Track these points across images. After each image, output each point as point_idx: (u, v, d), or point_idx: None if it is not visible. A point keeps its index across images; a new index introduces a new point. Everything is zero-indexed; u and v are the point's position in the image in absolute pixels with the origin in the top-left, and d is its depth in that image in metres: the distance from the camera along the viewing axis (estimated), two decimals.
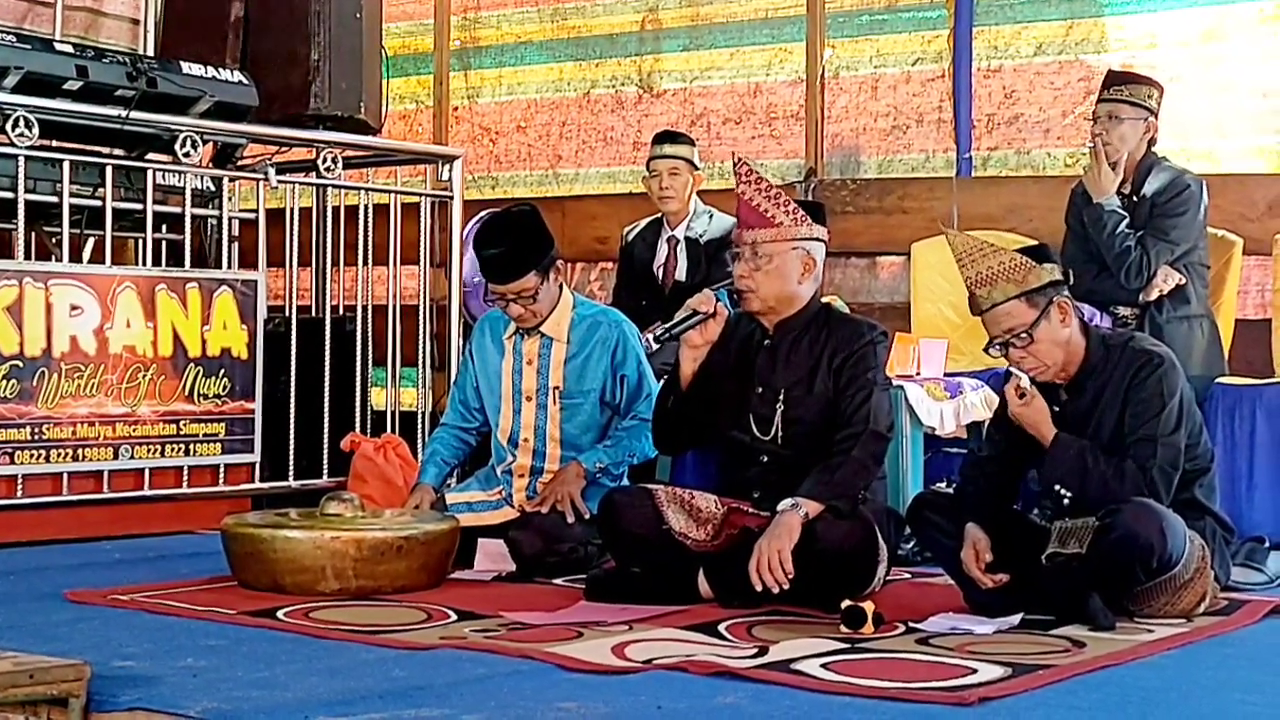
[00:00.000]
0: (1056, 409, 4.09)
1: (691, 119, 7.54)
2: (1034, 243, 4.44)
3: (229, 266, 6.08)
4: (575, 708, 2.94)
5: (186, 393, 5.64)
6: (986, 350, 4.09)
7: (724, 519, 4.23)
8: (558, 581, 4.54)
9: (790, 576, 3.90)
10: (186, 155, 5.79)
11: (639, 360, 4.91)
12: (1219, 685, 3.29)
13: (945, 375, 5.46)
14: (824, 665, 3.33)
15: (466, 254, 6.29)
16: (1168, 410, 3.95)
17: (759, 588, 3.92)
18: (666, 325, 4.28)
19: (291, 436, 6.01)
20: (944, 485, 5.01)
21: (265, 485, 5.91)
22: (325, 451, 6.09)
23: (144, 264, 5.76)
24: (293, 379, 6.04)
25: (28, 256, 5.57)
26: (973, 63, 6.90)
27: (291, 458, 6.02)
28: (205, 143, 5.91)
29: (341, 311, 6.49)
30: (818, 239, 4.27)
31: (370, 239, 6.41)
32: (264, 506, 5.53)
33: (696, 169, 6.15)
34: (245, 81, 6.11)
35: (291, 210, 6.35)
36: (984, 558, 3.93)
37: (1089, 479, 3.88)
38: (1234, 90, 6.37)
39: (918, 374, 5.37)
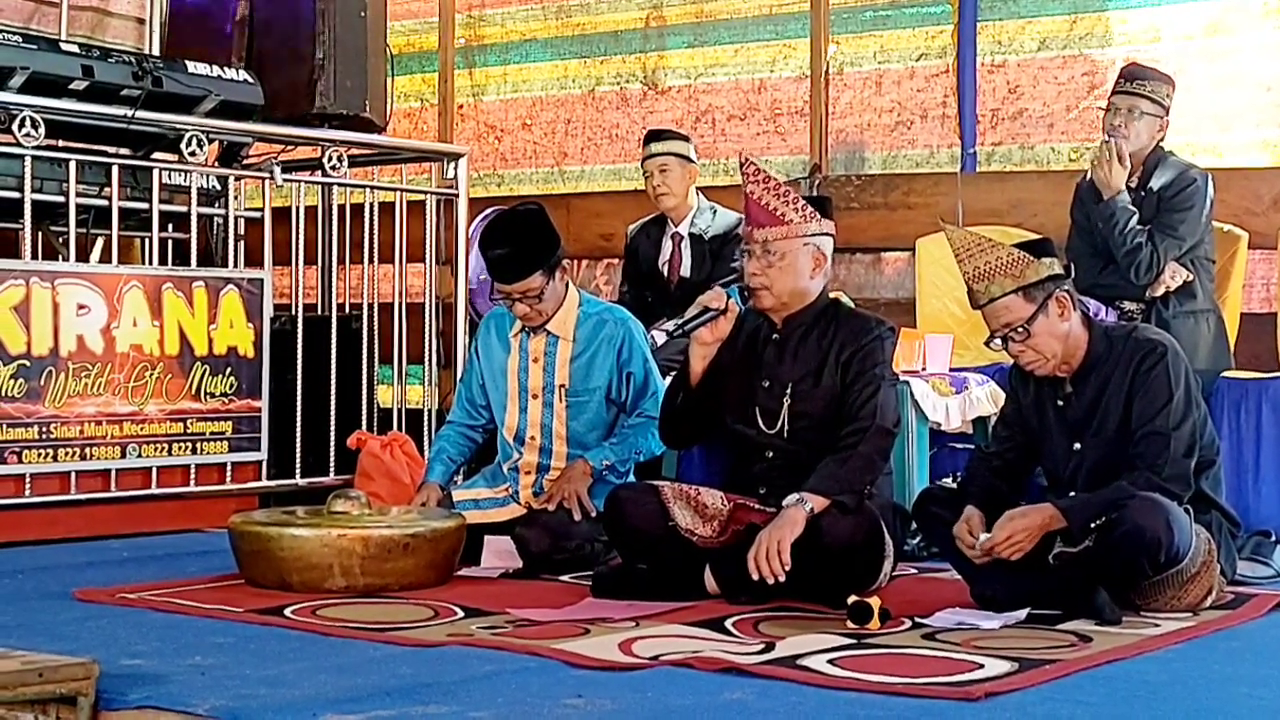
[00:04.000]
0: (1060, 403, 4.09)
1: (696, 115, 7.55)
2: (1037, 237, 4.44)
3: (235, 265, 6.09)
4: (582, 704, 2.94)
5: (193, 391, 5.65)
6: (988, 344, 4.10)
7: (730, 515, 4.23)
8: (564, 578, 4.54)
9: (787, 569, 3.91)
10: (192, 154, 5.80)
11: (645, 358, 4.91)
12: (1225, 679, 3.29)
13: (950, 370, 5.46)
14: (830, 661, 3.34)
15: (473, 252, 6.30)
16: (1175, 401, 3.94)
17: (755, 577, 3.93)
18: (679, 321, 4.27)
19: (298, 434, 6.01)
20: (949, 481, 4.99)
21: (272, 483, 5.91)
22: (332, 449, 6.09)
23: (150, 263, 5.75)
24: (299, 377, 6.03)
25: (35, 256, 5.60)
26: (977, 58, 6.90)
27: (298, 456, 6.02)
28: (211, 142, 5.92)
29: (347, 310, 6.49)
30: (827, 234, 4.28)
31: (376, 237, 6.41)
32: (271, 504, 5.54)
33: (691, 162, 6.11)
34: (250, 80, 6.12)
35: (297, 209, 6.35)
36: (977, 532, 3.93)
37: (1113, 508, 3.84)
38: (1238, 84, 6.37)
39: (923, 369, 5.37)
